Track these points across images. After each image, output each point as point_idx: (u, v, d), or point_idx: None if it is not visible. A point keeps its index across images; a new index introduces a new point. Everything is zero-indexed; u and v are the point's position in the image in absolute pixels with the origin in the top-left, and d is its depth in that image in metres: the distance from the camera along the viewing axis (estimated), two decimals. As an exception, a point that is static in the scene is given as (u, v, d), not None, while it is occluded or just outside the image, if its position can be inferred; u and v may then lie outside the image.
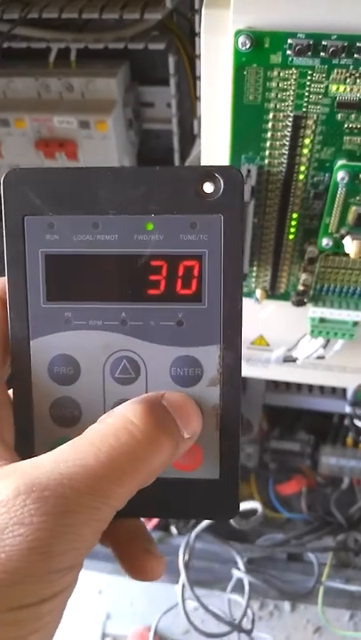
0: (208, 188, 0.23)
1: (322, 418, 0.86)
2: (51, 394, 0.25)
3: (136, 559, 0.25)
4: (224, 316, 0.24)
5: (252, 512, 0.78)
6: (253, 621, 0.73)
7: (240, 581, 0.74)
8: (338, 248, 0.39)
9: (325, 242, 0.39)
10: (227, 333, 0.24)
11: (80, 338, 0.25)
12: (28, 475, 0.19)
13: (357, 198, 0.36)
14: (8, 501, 0.18)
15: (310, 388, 0.82)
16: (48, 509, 0.18)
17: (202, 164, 0.40)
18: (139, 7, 0.49)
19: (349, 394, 0.74)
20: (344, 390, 0.77)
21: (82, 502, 0.19)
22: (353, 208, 0.37)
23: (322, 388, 0.82)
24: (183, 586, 0.71)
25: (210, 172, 0.23)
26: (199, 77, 0.44)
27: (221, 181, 0.23)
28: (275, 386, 0.82)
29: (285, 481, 0.86)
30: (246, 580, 0.73)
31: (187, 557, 0.72)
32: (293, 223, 0.40)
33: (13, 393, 0.25)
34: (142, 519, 0.26)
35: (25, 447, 0.25)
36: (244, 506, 0.76)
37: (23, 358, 0.25)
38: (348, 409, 0.76)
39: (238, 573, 0.74)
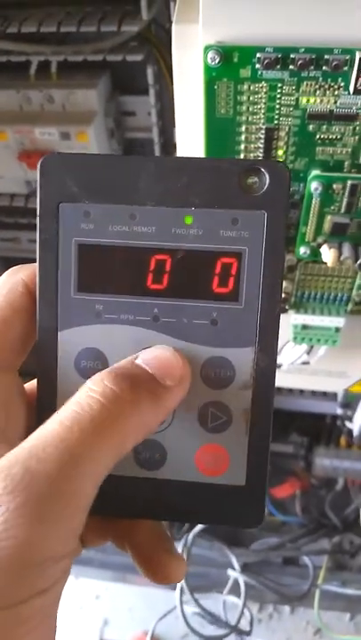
0: (252, 182, 0.22)
1: (315, 419, 0.86)
2: (76, 388, 0.24)
3: (158, 562, 0.24)
4: (261, 317, 0.23)
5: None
6: (252, 623, 0.74)
7: (236, 585, 0.74)
8: (316, 256, 0.40)
9: (303, 250, 0.39)
10: (263, 336, 0.23)
11: (110, 332, 0.24)
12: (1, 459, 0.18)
13: (332, 208, 0.37)
14: None
15: (302, 390, 0.82)
16: (15, 486, 0.17)
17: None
18: (116, 19, 0.49)
19: (340, 396, 0.74)
20: (335, 392, 0.77)
21: (50, 472, 0.18)
22: (328, 217, 0.37)
23: (313, 391, 0.82)
24: (181, 589, 0.71)
25: (255, 166, 0.22)
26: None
27: (267, 176, 0.22)
28: (266, 389, 0.82)
29: (279, 484, 0.86)
30: (242, 579, 0.73)
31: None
32: (272, 232, 0.41)
33: (37, 385, 0.25)
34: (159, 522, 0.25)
35: None
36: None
37: (50, 350, 0.24)
38: (339, 411, 0.76)
39: (234, 574, 0.74)
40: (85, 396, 0.20)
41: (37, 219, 0.23)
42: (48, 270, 0.24)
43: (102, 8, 0.52)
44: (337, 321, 0.45)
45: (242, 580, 0.73)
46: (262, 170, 0.22)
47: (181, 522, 0.73)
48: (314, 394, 0.82)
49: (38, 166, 0.23)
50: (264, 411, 0.24)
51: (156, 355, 0.22)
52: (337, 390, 0.68)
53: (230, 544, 0.80)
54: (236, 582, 0.75)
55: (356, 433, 0.74)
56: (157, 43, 0.52)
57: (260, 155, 0.36)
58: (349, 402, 0.74)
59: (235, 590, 0.75)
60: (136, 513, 0.21)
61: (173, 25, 0.34)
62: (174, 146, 0.57)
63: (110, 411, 0.20)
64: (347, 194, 0.36)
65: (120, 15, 0.50)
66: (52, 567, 0.18)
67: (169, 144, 0.58)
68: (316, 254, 0.39)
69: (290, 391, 0.83)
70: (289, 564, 0.82)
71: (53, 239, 0.23)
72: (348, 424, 0.77)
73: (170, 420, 0.24)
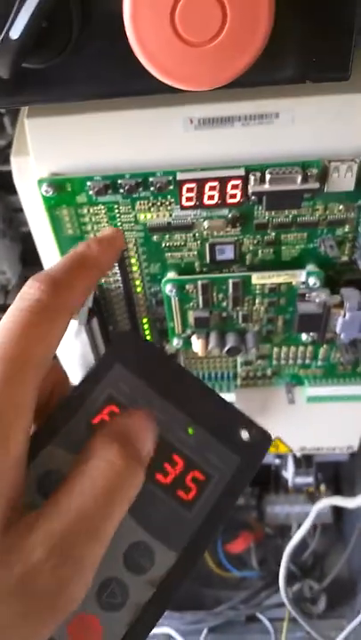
0: (243, 434, 0.25)
1: (261, 467, 0.87)
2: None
3: None
4: (199, 535, 0.25)
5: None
6: None
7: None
8: (189, 345, 0.41)
9: (176, 342, 0.41)
10: (190, 550, 0.24)
11: None
12: None
13: (191, 304, 0.39)
14: None
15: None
16: None
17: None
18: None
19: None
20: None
21: None
22: (190, 312, 0.39)
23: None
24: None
25: (251, 423, 0.25)
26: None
27: (253, 433, 0.25)
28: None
29: (233, 539, 0.86)
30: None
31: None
32: (146, 326, 0.42)
33: None
34: None
35: None
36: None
37: None
38: (276, 460, 0.78)
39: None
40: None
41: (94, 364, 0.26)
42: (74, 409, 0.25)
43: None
44: (228, 396, 0.47)
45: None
46: (253, 429, 0.25)
47: None
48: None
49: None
50: (153, 613, 0.24)
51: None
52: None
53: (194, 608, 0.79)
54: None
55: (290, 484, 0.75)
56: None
57: (116, 263, 0.37)
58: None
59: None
60: None
61: (12, 157, 0.36)
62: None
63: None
64: (200, 292, 0.38)
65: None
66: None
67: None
68: (188, 344, 0.41)
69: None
70: (252, 621, 0.81)
71: (92, 385, 0.25)
72: (283, 472, 0.79)
73: None
